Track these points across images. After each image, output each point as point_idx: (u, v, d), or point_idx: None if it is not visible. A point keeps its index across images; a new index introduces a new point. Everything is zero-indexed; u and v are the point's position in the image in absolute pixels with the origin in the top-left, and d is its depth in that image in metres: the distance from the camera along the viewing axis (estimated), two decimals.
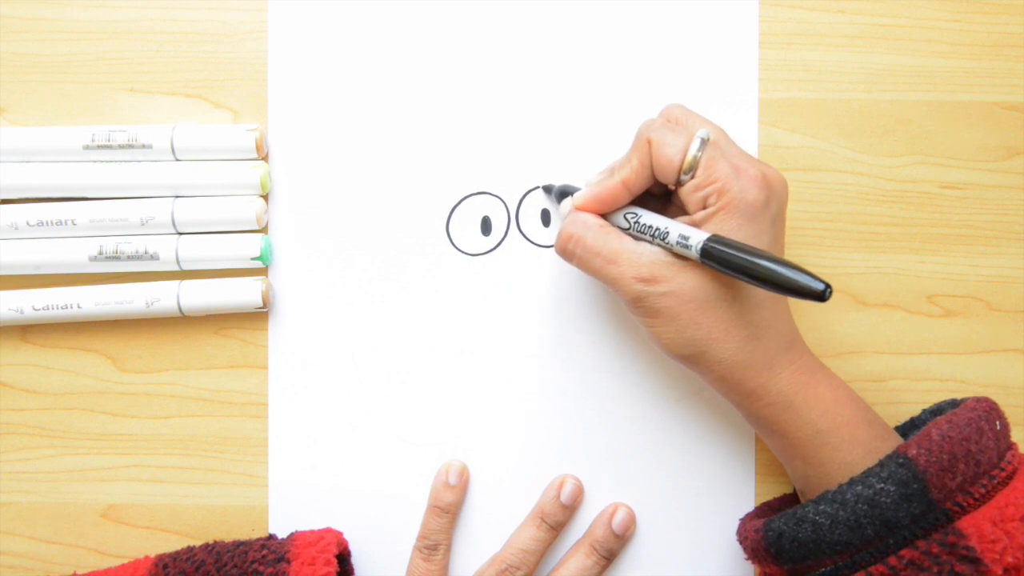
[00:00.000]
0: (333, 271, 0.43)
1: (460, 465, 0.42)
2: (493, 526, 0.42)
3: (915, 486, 0.32)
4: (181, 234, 0.42)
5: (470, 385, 0.43)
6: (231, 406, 0.43)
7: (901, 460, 0.33)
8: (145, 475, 0.43)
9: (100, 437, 0.43)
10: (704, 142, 0.35)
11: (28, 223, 0.41)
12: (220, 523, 0.43)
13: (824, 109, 0.42)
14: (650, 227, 0.36)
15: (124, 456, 0.43)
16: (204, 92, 0.43)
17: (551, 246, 0.43)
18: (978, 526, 0.31)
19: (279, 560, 0.38)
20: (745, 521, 0.39)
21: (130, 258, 0.41)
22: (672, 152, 0.35)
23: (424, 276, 0.43)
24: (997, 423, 0.34)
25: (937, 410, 0.38)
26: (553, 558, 0.42)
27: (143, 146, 0.41)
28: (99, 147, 0.41)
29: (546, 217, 0.43)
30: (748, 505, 0.42)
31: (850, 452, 0.35)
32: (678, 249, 0.35)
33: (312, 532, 0.40)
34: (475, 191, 0.43)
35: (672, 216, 0.36)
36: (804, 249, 0.43)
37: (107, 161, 0.41)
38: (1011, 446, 0.34)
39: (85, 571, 0.41)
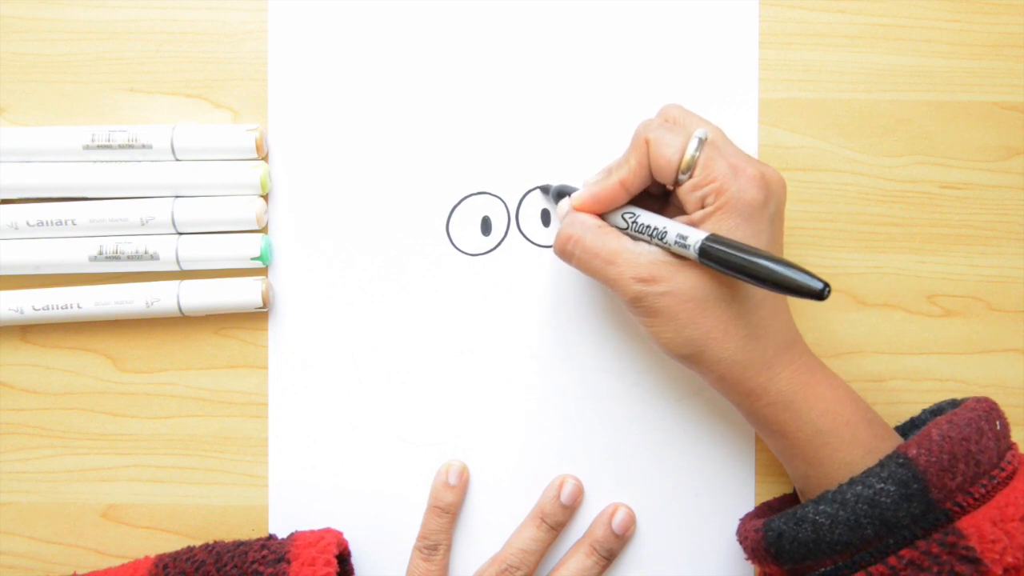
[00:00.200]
0: (333, 271, 0.43)
1: (460, 465, 0.42)
2: (493, 526, 0.42)
3: (915, 486, 0.32)
4: (181, 234, 0.42)
5: (470, 385, 0.43)
6: (231, 406, 0.43)
7: (901, 460, 0.33)
8: (145, 475, 0.43)
9: (100, 437, 0.43)
10: (702, 142, 0.35)
11: (28, 223, 0.41)
12: (220, 523, 0.43)
13: (824, 109, 0.42)
14: (648, 227, 0.36)
15: (124, 456, 0.43)
16: (204, 92, 0.43)
17: (551, 246, 0.43)
18: (978, 526, 0.31)
19: (279, 560, 0.38)
20: (745, 521, 0.39)
21: (130, 258, 0.41)
22: (670, 152, 0.35)
23: (424, 276, 0.43)
24: (997, 423, 0.34)
25: (937, 410, 0.38)
26: (553, 558, 0.42)
27: (143, 146, 0.41)
28: (99, 147, 0.41)
29: (546, 217, 0.43)
30: (748, 505, 0.42)
31: (850, 452, 0.35)
32: (676, 249, 0.35)
33: (312, 532, 0.40)
34: (475, 191, 0.43)
35: (670, 216, 0.36)
36: (804, 249, 0.43)
37: (107, 161, 0.41)
38: (1011, 446, 0.34)
39: (85, 571, 0.41)
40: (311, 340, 0.43)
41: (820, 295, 0.30)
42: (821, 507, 0.33)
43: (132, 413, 0.43)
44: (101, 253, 0.41)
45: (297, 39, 0.43)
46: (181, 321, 0.43)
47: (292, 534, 0.40)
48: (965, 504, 0.32)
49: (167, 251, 0.41)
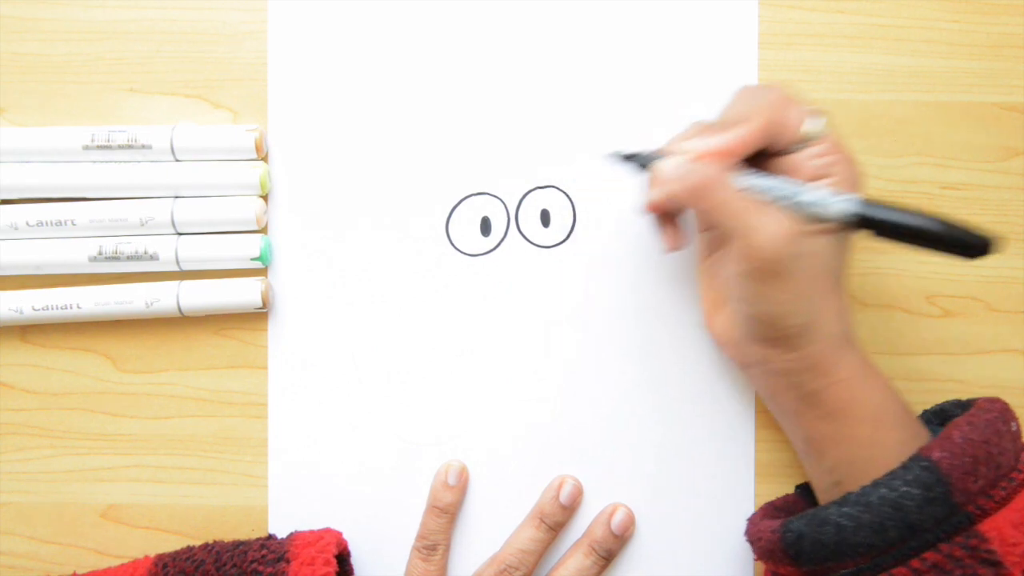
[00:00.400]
0: (333, 271, 0.43)
1: (459, 465, 0.42)
2: (492, 526, 0.42)
3: (939, 490, 0.32)
4: (181, 234, 0.42)
5: (470, 385, 0.43)
6: (231, 406, 0.43)
7: (925, 463, 0.33)
8: (145, 475, 0.43)
9: (100, 437, 0.43)
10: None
11: (28, 223, 0.41)
12: (220, 523, 0.43)
13: (824, 109, 0.42)
14: (774, 188, 0.34)
15: (124, 456, 0.43)
16: (204, 92, 0.43)
17: (551, 246, 0.43)
18: (999, 529, 0.31)
19: (278, 560, 0.38)
20: (755, 522, 0.38)
21: (130, 258, 0.41)
22: (799, 115, 0.35)
23: (424, 276, 0.43)
24: (1012, 424, 0.34)
25: (940, 411, 0.38)
26: (552, 558, 0.42)
27: (143, 146, 0.41)
28: (99, 147, 0.41)
29: (545, 217, 0.43)
30: (748, 505, 0.42)
31: (902, 432, 0.35)
32: (812, 212, 0.34)
33: (311, 532, 0.40)
34: (475, 191, 0.43)
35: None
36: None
37: (107, 161, 0.41)
38: None
39: (85, 571, 0.41)
40: (311, 340, 0.43)
41: (986, 251, 0.30)
42: (844, 509, 0.33)
43: (132, 413, 0.43)
44: (101, 253, 0.41)
45: (297, 39, 0.43)
46: (181, 321, 0.43)
47: (291, 534, 0.40)
48: (986, 507, 0.32)
49: (167, 251, 0.41)
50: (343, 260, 0.43)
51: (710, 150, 0.34)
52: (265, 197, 0.42)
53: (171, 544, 0.42)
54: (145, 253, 0.41)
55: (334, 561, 0.38)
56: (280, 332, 0.43)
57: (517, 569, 0.41)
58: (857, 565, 0.33)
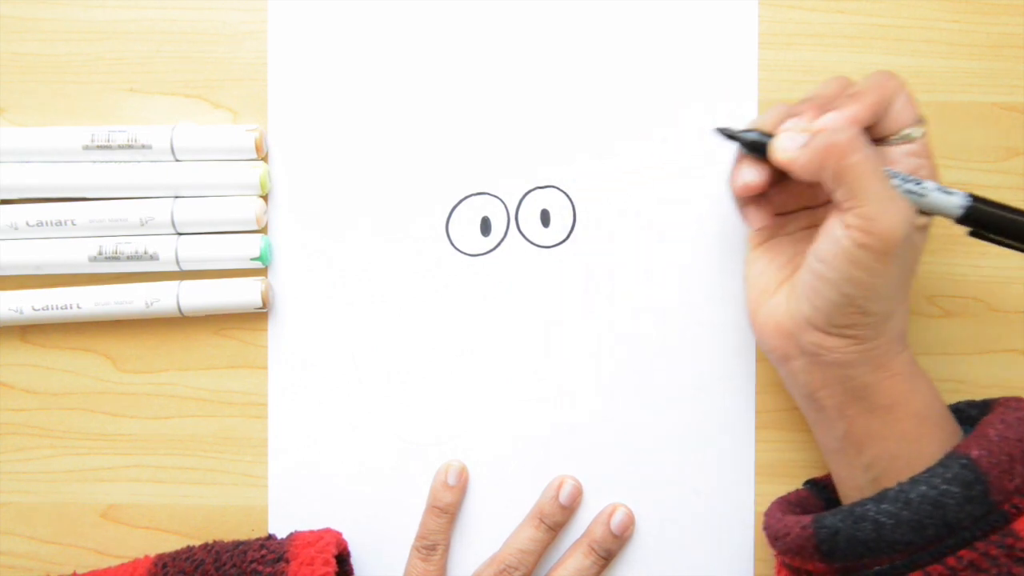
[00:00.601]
0: (333, 271, 0.43)
1: (459, 465, 0.42)
2: (492, 526, 0.42)
3: (978, 488, 0.32)
4: (181, 234, 0.42)
5: (470, 385, 0.43)
6: (231, 406, 0.43)
7: (964, 461, 0.32)
8: (145, 475, 0.43)
9: (100, 437, 0.43)
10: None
11: (28, 223, 0.41)
12: (220, 523, 0.43)
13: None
14: (898, 175, 0.34)
15: (124, 456, 0.43)
16: (204, 92, 0.43)
17: (551, 246, 0.43)
18: None
19: (278, 560, 0.38)
20: (776, 517, 0.37)
21: (130, 258, 0.41)
22: (906, 106, 0.35)
23: (424, 276, 0.43)
24: None
25: (956, 411, 0.38)
26: (552, 558, 0.42)
27: (143, 146, 0.41)
28: (99, 147, 0.41)
29: (545, 217, 0.43)
30: (748, 505, 0.42)
31: (943, 429, 0.35)
32: (926, 202, 0.34)
33: (311, 532, 0.40)
34: (475, 191, 0.43)
35: (812, 195, 0.37)
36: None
37: (107, 161, 0.41)
38: None
39: (85, 571, 0.41)
40: (311, 340, 0.43)
41: None
42: (883, 506, 0.33)
43: (132, 413, 0.43)
44: (101, 253, 0.41)
45: (297, 39, 0.43)
46: (181, 321, 0.43)
47: (291, 534, 0.40)
48: (1021, 505, 0.32)
49: (167, 251, 0.41)
50: (343, 260, 0.43)
51: (846, 118, 0.34)
52: (265, 197, 0.42)
53: (171, 544, 0.42)
54: (145, 253, 0.41)
55: (333, 561, 0.38)
56: (280, 332, 0.43)
57: (517, 569, 0.41)
58: (892, 562, 0.33)
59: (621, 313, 0.42)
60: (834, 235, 0.33)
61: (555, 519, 0.42)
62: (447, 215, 0.43)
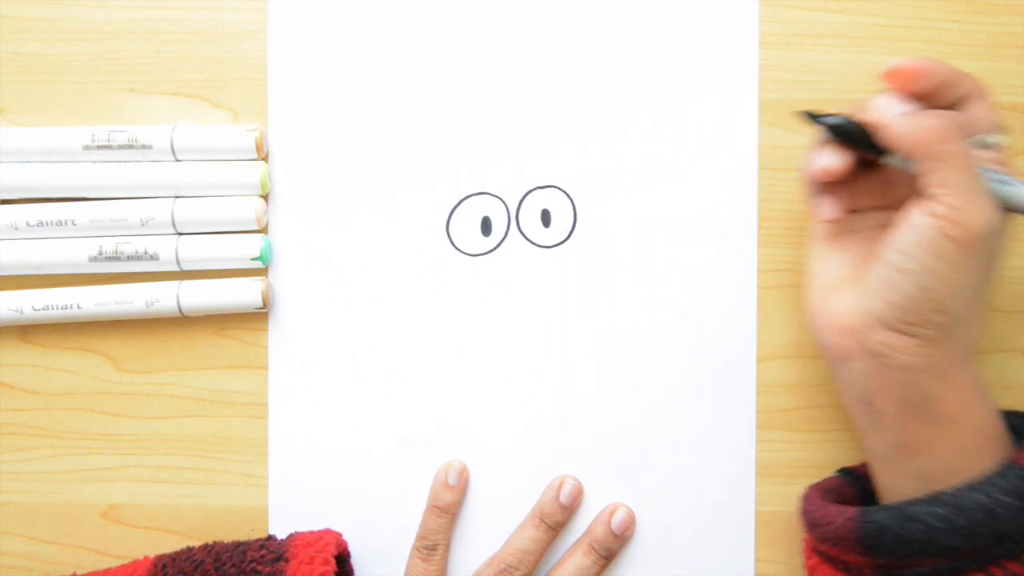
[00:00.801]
0: (333, 271, 0.43)
1: (460, 465, 0.42)
2: (492, 526, 0.42)
3: None
4: (181, 234, 0.42)
5: (470, 385, 0.43)
6: (231, 406, 0.43)
7: (1020, 472, 0.32)
8: (145, 475, 0.43)
9: (100, 437, 0.43)
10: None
11: (28, 223, 0.41)
12: (220, 523, 0.43)
13: (824, 109, 0.42)
14: (988, 170, 0.34)
15: (124, 456, 0.43)
16: (204, 92, 0.43)
17: (551, 246, 0.43)
18: None
19: (277, 559, 0.38)
20: (816, 503, 0.37)
21: (130, 258, 0.41)
22: (987, 111, 0.35)
23: (424, 276, 0.43)
24: None
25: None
26: (552, 558, 0.42)
27: (143, 146, 0.41)
28: (99, 147, 0.41)
29: (546, 217, 0.43)
30: (748, 505, 0.42)
31: (997, 445, 0.34)
32: (1016, 200, 0.33)
33: (311, 532, 0.40)
34: (475, 191, 0.43)
35: (886, 194, 0.36)
36: (805, 249, 0.42)
37: (107, 161, 0.41)
38: None
39: (85, 571, 0.41)
40: (311, 340, 0.43)
41: None
42: (936, 509, 0.32)
43: (132, 413, 0.43)
44: (101, 253, 0.41)
45: (297, 39, 0.43)
46: (181, 321, 0.43)
47: (291, 535, 0.40)
48: None
49: (167, 251, 0.41)
50: (343, 260, 0.43)
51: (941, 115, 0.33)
52: (265, 197, 0.42)
53: (171, 544, 0.42)
54: (145, 253, 0.41)
55: (333, 561, 0.38)
56: (280, 332, 0.43)
57: (517, 569, 0.41)
58: (935, 564, 0.33)
59: (621, 313, 0.42)
60: (918, 224, 0.32)
61: (555, 519, 0.42)
62: (447, 215, 0.43)
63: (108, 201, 0.41)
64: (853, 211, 0.38)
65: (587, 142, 0.42)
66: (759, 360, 0.42)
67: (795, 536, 0.42)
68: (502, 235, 0.43)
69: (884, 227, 0.35)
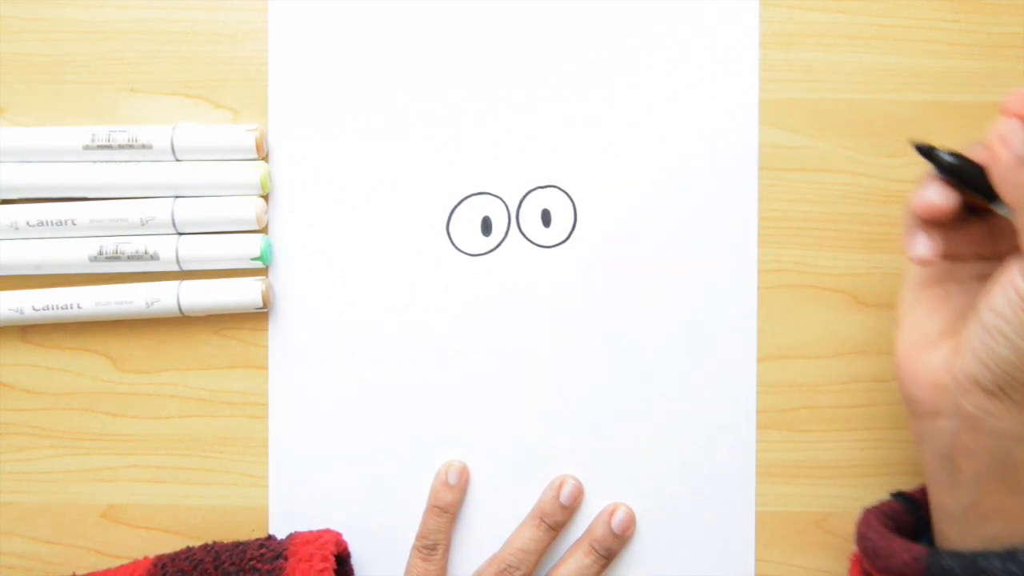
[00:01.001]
0: (333, 271, 0.43)
1: (460, 465, 0.42)
2: (492, 526, 0.42)
3: None
4: (181, 234, 0.42)
5: (470, 385, 0.43)
6: (231, 406, 0.43)
7: None
8: (145, 475, 0.43)
9: (100, 437, 0.43)
10: None
11: (28, 223, 0.41)
12: (220, 523, 0.43)
13: (824, 109, 0.42)
14: None
15: (124, 456, 0.43)
16: (204, 92, 0.43)
17: (551, 246, 0.43)
18: None
19: (276, 558, 0.38)
20: (881, 533, 0.35)
21: (130, 258, 0.41)
22: None
23: (424, 276, 0.43)
24: None
25: None
26: (553, 558, 0.42)
27: (143, 146, 0.41)
28: (99, 147, 0.41)
29: (546, 217, 0.43)
30: (748, 505, 0.42)
31: None
32: None
33: (310, 532, 0.40)
34: (475, 191, 0.43)
35: (993, 244, 0.34)
36: (805, 249, 0.43)
37: (107, 161, 0.41)
38: None
39: (85, 571, 0.41)
40: (311, 340, 0.43)
41: None
42: (1011, 566, 0.31)
43: (132, 413, 0.43)
44: (101, 253, 0.41)
45: (297, 39, 0.43)
46: (181, 321, 0.43)
47: (291, 534, 0.40)
48: None
49: (167, 251, 0.41)
50: (343, 260, 0.43)
51: None
52: (265, 197, 0.42)
53: (171, 544, 0.42)
54: (145, 253, 0.41)
55: (332, 558, 0.38)
56: (280, 332, 0.43)
57: (517, 569, 0.41)
58: None
59: (621, 313, 0.42)
60: (1012, 285, 0.31)
61: (556, 519, 0.42)
62: (448, 215, 0.43)
63: (108, 201, 0.41)
64: (956, 259, 0.35)
65: (587, 142, 0.42)
66: (759, 360, 0.42)
67: (795, 536, 0.42)
68: (502, 235, 0.43)
69: (987, 279, 0.33)
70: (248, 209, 0.41)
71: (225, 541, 0.40)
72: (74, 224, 0.41)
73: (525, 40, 0.42)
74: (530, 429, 0.43)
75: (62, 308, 0.41)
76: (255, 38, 0.43)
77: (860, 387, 0.42)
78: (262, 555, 0.38)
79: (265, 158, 0.42)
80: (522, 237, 0.43)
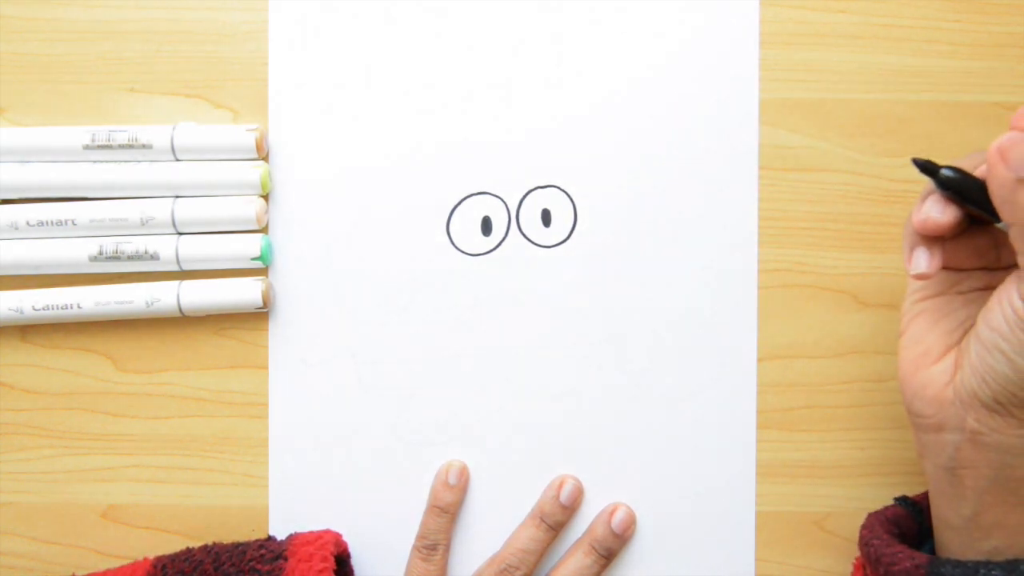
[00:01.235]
0: (333, 271, 0.43)
1: (460, 465, 0.42)
2: (493, 526, 0.42)
3: None
4: (181, 234, 0.42)
5: (470, 385, 0.43)
6: (231, 406, 0.43)
7: None
8: (145, 475, 0.43)
9: (100, 437, 0.43)
10: None
11: (28, 223, 0.41)
12: (220, 523, 0.43)
13: (824, 109, 0.42)
14: None
15: (124, 456, 0.43)
16: (204, 92, 0.43)
17: (552, 246, 0.43)
18: None
19: (276, 558, 0.38)
20: (885, 540, 0.35)
21: (130, 258, 0.41)
22: None
23: (424, 276, 0.43)
24: None
25: None
26: (553, 558, 0.42)
27: (143, 146, 0.41)
28: (99, 147, 0.41)
29: (546, 217, 0.43)
30: (748, 505, 0.42)
31: None
32: None
33: (310, 532, 0.40)
34: (475, 191, 0.43)
35: (995, 255, 0.34)
36: (804, 249, 0.43)
37: (107, 161, 0.41)
38: None
39: (85, 571, 0.41)
40: (311, 340, 0.43)
41: None
42: None
43: (132, 413, 0.43)
44: (101, 253, 0.41)
45: (297, 39, 0.42)
46: (181, 321, 0.43)
47: (290, 535, 0.40)
48: None
49: (167, 251, 0.41)
50: (343, 260, 0.43)
51: None
52: (265, 197, 0.42)
53: (171, 544, 0.42)
54: (145, 253, 0.41)
55: (331, 558, 0.38)
56: (280, 332, 0.43)
57: (517, 569, 0.41)
58: None
59: (621, 313, 0.42)
60: (1010, 302, 0.30)
61: (556, 519, 0.42)
62: (448, 215, 0.43)
63: (108, 201, 0.41)
64: (958, 270, 0.35)
65: (587, 142, 0.42)
66: (759, 360, 0.42)
67: (795, 536, 0.42)
68: (502, 235, 0.43)
69: (990, 289, 0.33)
70: (248, 209, 0.41)
71: (225, 542, 0.40)
72: (74, 224, 0.41)
73: (525, 40, 0.42)
74: (530, 429, 0.43)
75: (62, 308, 0.41)
76: (255, 38, 0.43)
77: (860, 387, 0.42)
78: (262, 556, 0.38)
79: (265, 158, 0.42)
80: (522, 237, 0.43)
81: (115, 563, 0.42)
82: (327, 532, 0.40)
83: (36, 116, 0.43)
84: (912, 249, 0.34)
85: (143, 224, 0.41)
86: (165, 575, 0.38)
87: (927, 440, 0.34)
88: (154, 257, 0.41)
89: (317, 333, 0.43)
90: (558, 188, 0.43)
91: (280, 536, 0.42)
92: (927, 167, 0.33)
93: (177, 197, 0.41)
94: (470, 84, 0.43)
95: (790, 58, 0.42)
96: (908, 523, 0.38)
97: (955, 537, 0.34)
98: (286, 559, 0.38)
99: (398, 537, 0.42)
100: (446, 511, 0.42)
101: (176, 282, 0.42)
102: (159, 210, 0.41)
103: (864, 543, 0.36)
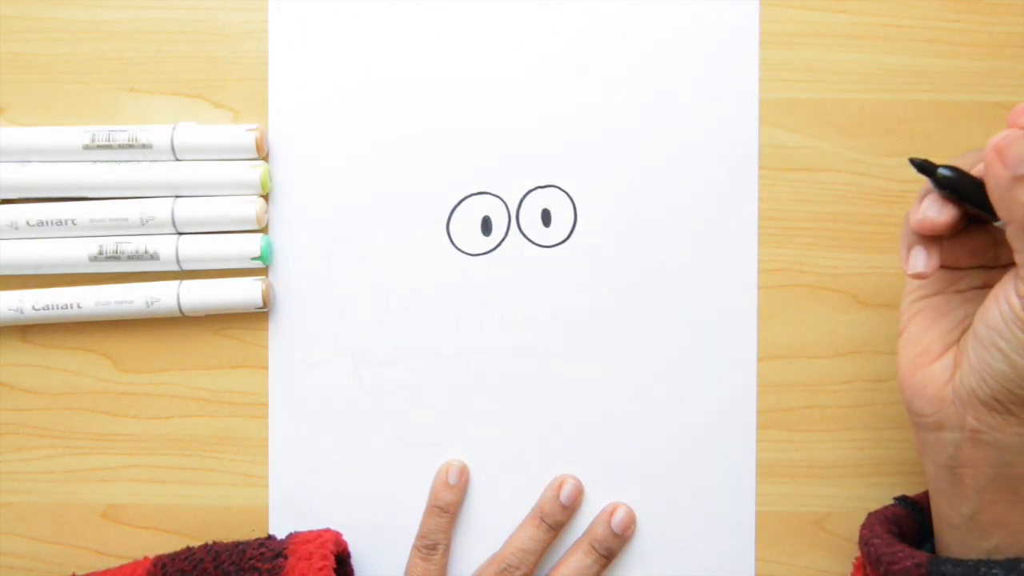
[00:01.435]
0: (333, 271, 0.43)
1: (460, 465, 0.42)
2: (493, 526, 0.42)
3: None
4: (181, 234, 0.42)
5: (470, 385, 0.43)
6: (231, 406, 0.43)
7: None
8: (145, 475, 0.43)
9: (100, 437, 0.43)
10: None
11: (28, 223, 0.41)
12: (220, 523, 0.43)
13: (824, 109, 0.42)
14: None
15: (124, 456, 0.43)
16: (204, 92, 0.43)
17: (552, 246, 0.43)
18: None
19: (276, 556, 0.38)
20: (886, 539, 0.35)
21: (130, 258, 0.41)
22: None
23: (424, 276, 0.43)
24: None
25: None
26: (553, 557, 0.42)
27: (143, 146, 0.41)
28: (99, 147, 0.41)
29: (546, 217, 0.43)
30: (748, 505, 0.42)
31: None
32: None
33: (310, 532, 0.40)
34: (475, 191, 0.43)
35: (994, 253, 0.34)
36: (804, 249, 0.43)
37: (107, 161, 0.41)
38: None
39: (85, 571, 0.41)
40: (311, 340, 0.43)
41: None
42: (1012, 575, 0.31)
43: (132, 413, 0.43)
44: (101, 253, 0.41)
45: (297, 39, 0.42)
46: (181, 321, 0.43)
47: (290, 534, 0.40)
48: None
49: (167, 251, 0.41)
50: (343, 260, 0.43)
51: None
52: (265, 196, 0.42)
53: (171, 544, 0.42)
54: (145, 252, 0.41)
55: (331, 556, 0.38)
56: (280, 332, 0.43)
57: (517, 568, 0.41)
58: None
59: (621, 313, 0.42)
60: (1007, 300, 0.30)
61: (556, 518, 0.42)
62: (448, 215, 0.43)
63: (108, 201, 0.41)
64: (956, 268, 0.35)
65: (588, 141, 0.42)
66: (759, 360, 0.42)
67: (795, 536, 0.42)
68: (502, 235, 0.43)
69: (988, 288, 0.33)
70: (248, 209, 0.41)
71: (225, 541, 0.40)
72: (74, 224, 0.41)
73: (525, 39, 0.42)
74: (530, 429, 0.43)
75: (62, 308, 0.41)
76: (255, 38, 0.43)
77: (860, 387, 0.42)
78: (262, 554, 0.38)
79: (265, 158, 0.42)
80: (522, 237, 0.43)
81: (115, 563, 0.42)
82: (327, 531, 0.40)
83: (36, 116, 0.43)
84: (909, 249, 0.34)
85: (143, 224, 0.41)
86: (165, 574, 0.38)
87: (927, 439, 0.35)
88: (154, 257, 0.41)
89: (317, 333, 0.43)
90: (558, 188, 0.43)
91: (280, 535, 0.42)
92: (924, 166, 0.33)
93: (177, 197, 0.41)
94: (470, 84, 0.43)
95: (790, 58, 0.42)
96: (908, 523, 0.38)
97: (955, 536, 0.34)
98: (286, 557, 0.38)
99: (398, 537, 0.42)
100: (446, 511, 0.42)
101: (176, 282, 0.42)
102: (159, 210, 0.41)
103: (864, 543, 0.36)
